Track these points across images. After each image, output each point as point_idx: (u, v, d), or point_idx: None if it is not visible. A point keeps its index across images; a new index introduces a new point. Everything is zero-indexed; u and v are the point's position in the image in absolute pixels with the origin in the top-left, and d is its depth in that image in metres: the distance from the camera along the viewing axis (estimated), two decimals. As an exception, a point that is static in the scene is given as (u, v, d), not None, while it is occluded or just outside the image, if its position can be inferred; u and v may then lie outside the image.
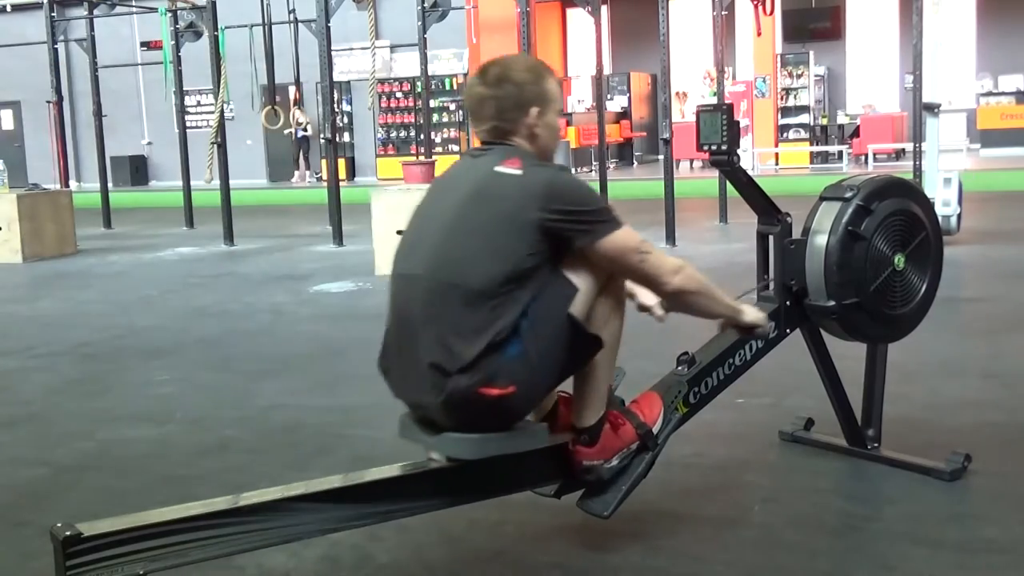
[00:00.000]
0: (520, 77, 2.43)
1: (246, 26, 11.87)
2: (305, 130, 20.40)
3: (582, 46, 22.37)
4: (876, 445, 3.19)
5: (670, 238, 9.05)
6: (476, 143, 2.56)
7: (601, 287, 2.42)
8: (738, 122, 3.03)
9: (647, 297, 2.66)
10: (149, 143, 21.55)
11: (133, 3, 15.19)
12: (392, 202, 8.01)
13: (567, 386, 2.55)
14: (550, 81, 2.48)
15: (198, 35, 11.80)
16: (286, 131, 19.72)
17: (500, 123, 2.44)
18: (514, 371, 2.27)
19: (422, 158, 11.51)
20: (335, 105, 13.92)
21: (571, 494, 2.62)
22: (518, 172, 2.33)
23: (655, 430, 2.61)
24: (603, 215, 2.35)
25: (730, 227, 10.12)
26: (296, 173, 20.81)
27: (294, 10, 11.52)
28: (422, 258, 2.36)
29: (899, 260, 2.97)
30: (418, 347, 2.32)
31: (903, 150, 17.75)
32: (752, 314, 2.69)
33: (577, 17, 21.90)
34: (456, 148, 20.71)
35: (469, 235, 2.31)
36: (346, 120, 21.68)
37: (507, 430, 2.37)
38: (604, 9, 14.79)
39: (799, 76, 19.95)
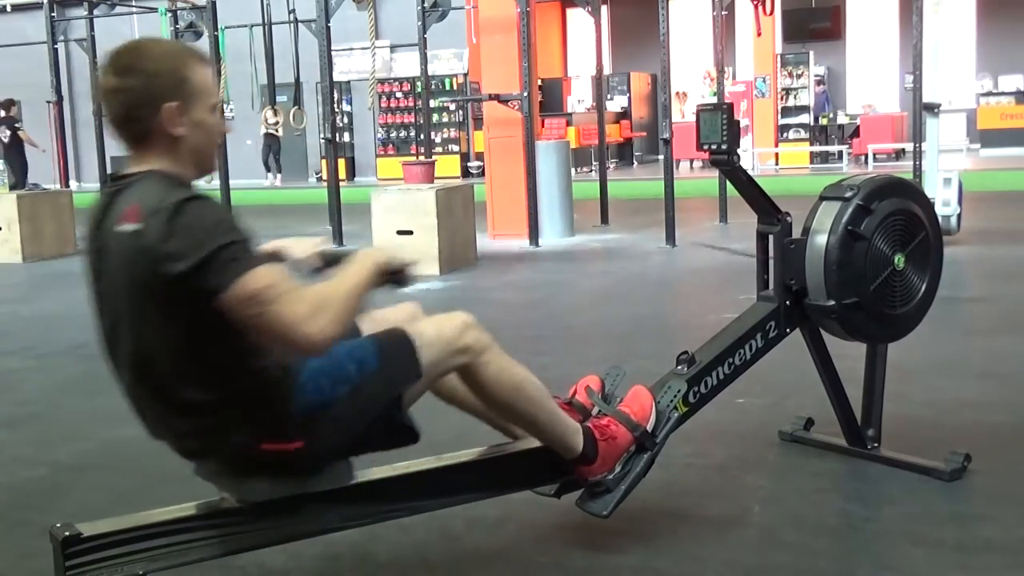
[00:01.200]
0: (151, 66, 1.99)
1: (246, 26, 11.86)
2: (275, 130, 18.88)
3: (582, 46, 22.36)
4: (876, 445, 3.19)
5: (670, 238, 9.04)
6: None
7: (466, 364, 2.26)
8: (738, 122, 3.03)
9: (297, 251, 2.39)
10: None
11: (133, 3, 15.18)
12: (392, 202, 8.01)
13: (566, 386, 2.55)
14: (195, 68, 2.03)
15: (198, 35, 11.80)
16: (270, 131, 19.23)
17: (129, 125, 2.02)
18: (304, 428, 2.08)
19: (422, 158, 11.51)
20: (335, 105, 13.91)
21: (571, 494, 2.63)
22: (136, 228, 1.90)
23: (649, 428, 2.60)
24: (238, 252, 1.87)
25: (730, 227, 10.12)
26: (268, 176, 20.23)
27: (294, 10, 11.50)
28: (120, 361, 2.07)
29: (899, 260, 2.97)
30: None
31: (903, 150, 17.75)
32: (394, 253, 2.18)
33: (577, 17, 21.90)
34: (456, 148, 20.73)
35: (142, 331, 1.98)
36: (346, 120, 21.69)
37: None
38: (604, 9, 14.79)
39: (799, 76, 19.95)
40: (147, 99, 1.98)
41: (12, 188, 16.17)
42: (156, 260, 1.87)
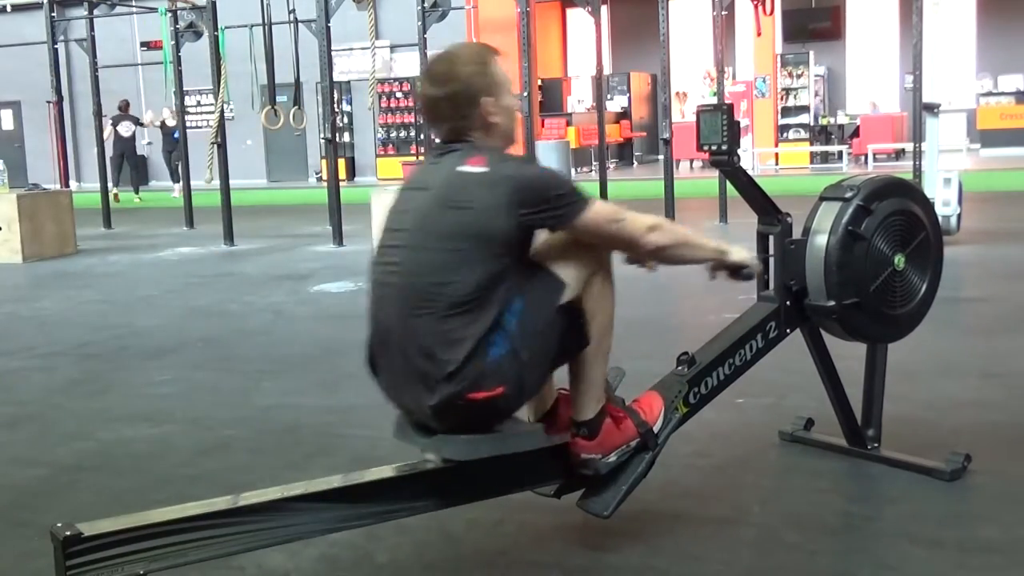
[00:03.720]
0: (465, 71, 2.39)
1: (246, 26, 11.85)
2: (165, 128, 18.61)
3: (582, 46, 22.38)
4: (876, 445, 3.19)
5: (670, 238, 9.02)
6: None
7: (589, 273, 2.42)
8: (738, 122, 3.03)
9: None
10: (149, 143, 21.56)
11: (133, 3, 15.18)
12: (392, 202, 8.00)
13: (567, 381, 2.56)
14: (495, 65, 2.44)
15: (198, 35, 11.79)
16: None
17: (456, 122, 2.41)
18: (502, 372, 2.27)
19: (422, 158, 11.51)
20: (335, 105, 13.91)
21: (571, 494, 2.63)
22: (483, 170, 2.31)
23: (656, 429, 2.61)
24: (572, 196, 2.35)
25: (730, 227, 10.11)
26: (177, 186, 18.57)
27: (294, 10, 11.49)
28: (397, 267, 2.36)
29: (899, 260, 2.97)
30: (401, 356, 2.33)
31: (903, 150, 17.76)
32: (738, 253, 2.63)
33: (577, 17, 21.91)
34: (456, 148, 20.71)
35: (441, 243, 2.29)
36: (346, 120, 21.70)
37: (499, 428, 2.38)
38: (604, 9, 14.79)
39: (799, 76, 19.96)
40: (468, 99, 2.37)
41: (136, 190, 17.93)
42: (506, 201, 2.25)
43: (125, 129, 17.73)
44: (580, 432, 2.50)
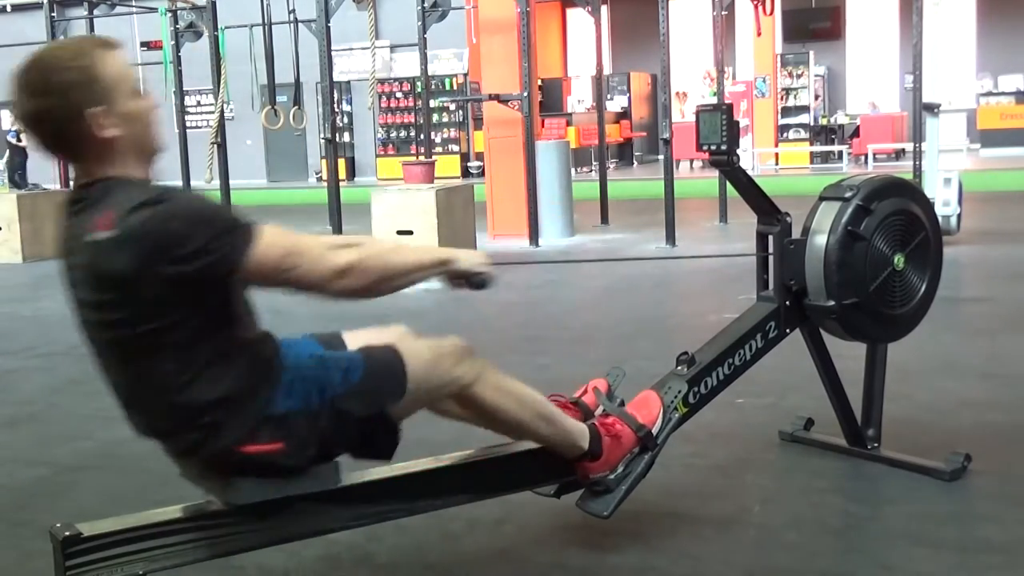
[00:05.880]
0: (61, 78, 1.88)
1: (246, 26, 11.84)
2: (18, 139, 16.48)
3: (582, 46, 22.36)
4: (876, 445, 3.19)
5: (670, 238, 9.04)
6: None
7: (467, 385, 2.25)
8: (738, 122, 3.03)
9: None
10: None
11: (133, 3, 15.17)
12: (392, 202, 8.01)
13: (568, 386, 2.55)
14: (104, 61, 1.92)
15: (198, 35, 11.78)
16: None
17: (63, 144, 1.95)
18: (284, 430, 2.07)
19: (422, 158, 11.51)
20: (335, 105, 13.90)
21: (571, 494, 2.63)
22: (111, 234, 1.85)
23: (655, 431, 2.61)
24: (229, 234, 1.89)
25: (730, 227, 10.12)
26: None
27: (294, 10, 11.47)
28: (108, 363, 2.08)
29: (899, 260, 2.97)
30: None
31: (903, 150, 17.75)
32: (467, 259, 2.23)
33: (577, 17, 21.89)
34: (456, 148, 20.75)
35: (129, 334, 1.94)
36: (346, 120, 21.70)
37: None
38: (604, 9, 14.77)
39: (799, 76, 19.96)
40: (71, 113, 1.89)
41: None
42: (149, 251, 1.84)
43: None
44: (584, 460, 2.50)
